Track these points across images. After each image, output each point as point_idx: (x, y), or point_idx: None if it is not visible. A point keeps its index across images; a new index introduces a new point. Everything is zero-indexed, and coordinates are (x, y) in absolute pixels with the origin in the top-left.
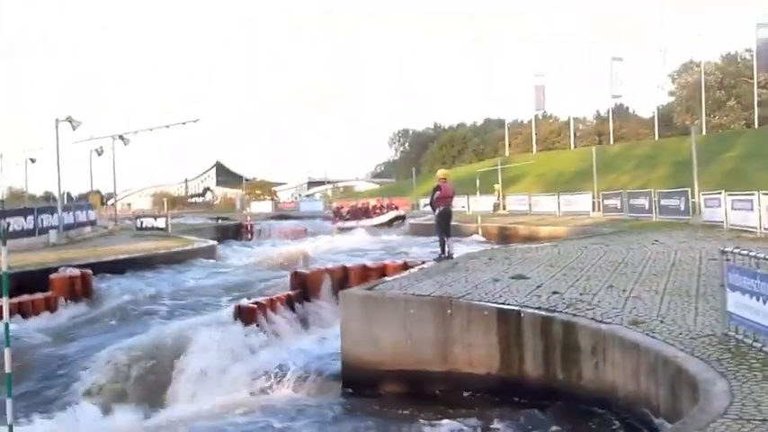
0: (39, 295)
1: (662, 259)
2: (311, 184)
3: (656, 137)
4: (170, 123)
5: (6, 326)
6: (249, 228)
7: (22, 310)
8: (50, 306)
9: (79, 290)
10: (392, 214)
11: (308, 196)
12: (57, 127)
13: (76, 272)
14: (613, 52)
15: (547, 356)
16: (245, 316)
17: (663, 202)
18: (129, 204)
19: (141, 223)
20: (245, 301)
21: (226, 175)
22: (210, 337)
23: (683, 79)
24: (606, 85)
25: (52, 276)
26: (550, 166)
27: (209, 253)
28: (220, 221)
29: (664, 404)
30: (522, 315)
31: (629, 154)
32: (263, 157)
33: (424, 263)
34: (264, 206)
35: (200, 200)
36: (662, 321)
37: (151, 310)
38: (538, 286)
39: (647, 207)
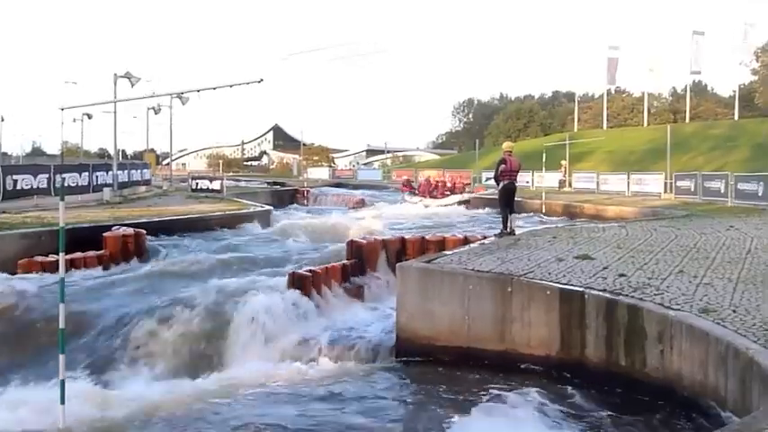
0: (91, 253)
1: (737, 246)
2: (370, 152)
3: (736, 117)
4: (233, 83)
5: (62, 281)
6: (305, 194)
7: (75, 266)
8: (103, 263)
9: (132, 249)
10: (456, 198)
11: (366, 165)
12: (115, 82)
13: (130, 231)
14: (694, 26)
15: (609, 341)
16: (299, 284)
17: (740, 186)
18: (184, 165)
19: (196, 184)
20: (299, 269)
21: (283, 140)
22: (263, 303)
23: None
24: (685, 60)
25: (106, 234)
26: (621, 143)
27: (263, 218)
28: (276, 186)
29: (732, 397)
30: (586, 296)
31: (705, 134)
32: (323, 123)
33: (485, 238)
34: (321, 173)
35: (255, 163)
36: (734, 311)
37: (203, 272)
38: (604, 268)
39: (722, 191)
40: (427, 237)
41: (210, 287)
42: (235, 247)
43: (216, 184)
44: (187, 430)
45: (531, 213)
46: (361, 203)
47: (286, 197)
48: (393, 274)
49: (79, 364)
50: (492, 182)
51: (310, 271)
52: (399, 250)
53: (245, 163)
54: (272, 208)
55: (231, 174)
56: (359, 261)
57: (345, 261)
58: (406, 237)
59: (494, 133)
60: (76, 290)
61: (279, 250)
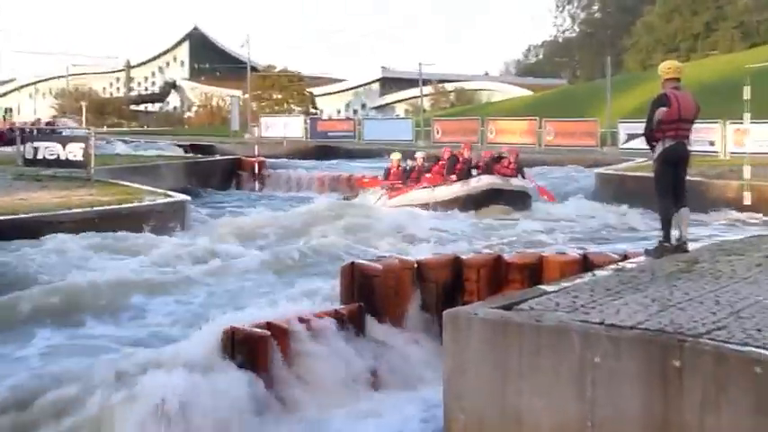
0: None
1: None
2: (388, 83)
3: None
4: None
5: None
6: (256, 169)
7: None
8: None
9: None
10: (479, 184)
11: (379, 109)
12: None
13: None
14: None
15: None
16: (246, 351)
17: None
18: (8, 111)
19: (34, 151)
20: (243, 322)
21: (211, 58)
22: (171, 392)
23: None
24: None
25: None
26: None
27: (171, 219)
28: (197, 156)
29: None
30: None
31: None
32: (291, 26)
33: (625, 257)
34: (290, 126)
35: (155, 108)
36: None
37: (44, 322)
38: None
39: None
40: (506, 256)
41: (53, 368)
42: (114, 272)
43: (75, 150)
44: None
45: (721, 207)
46: (370, 186)
47: (218, 176)
48: (436, 329)
49: None
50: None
51: (268, 326)
52: (450, 283)
53: (134, 108)
54: (187, 198)
55: (108, 129)
56: (367, 304)
57: (340, 306)
58: (464, 257)
59: (641, 44)
60: None
61: (202, 282)
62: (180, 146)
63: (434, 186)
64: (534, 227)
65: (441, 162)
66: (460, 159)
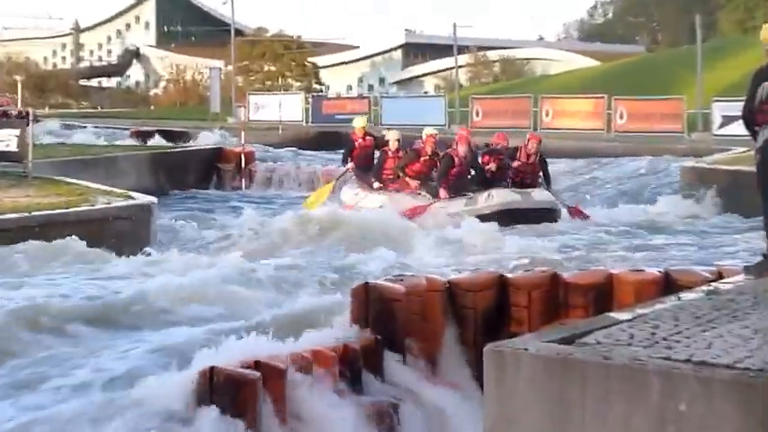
0: None
1: None
2: (411, 50)
3: None
4: None
5: None
6: (243, 164)
7: None
8: None
9: None
10: (490, 203)
11: (402, 84)
12: None
13: None
14: None
15: None
16: (228, 398)
17: None
18: None
19: None
20: (227, 359)
21: (183, 19)
22: None
23: None
24: None
25: None
26: None
27: (133, 227)
28: (168, 147)
29: None
30: None
31: None
32: None
33: (719, 276)
34: (289, 107)
35: (111, 83)
36: None
37: None
38: None
39: None
40: (566, 275)
41: None
42: (59, 297)
43: (7, 138)
44: None
45: None
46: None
47: (193, 171)
48: (473, 369)
49: None
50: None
51: (257, 365)
52: (492, 309)
53: (84, 83)
54: (153, 200)
55: (51, 111)
56: (385, 336)
57: (349, 340)
58: (510, 275)
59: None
60: None
61: (172, 308)
62: (142, 131)
63: (416, 194)
64: (592, 232)
65: (423, 158)
66: (456, 161)
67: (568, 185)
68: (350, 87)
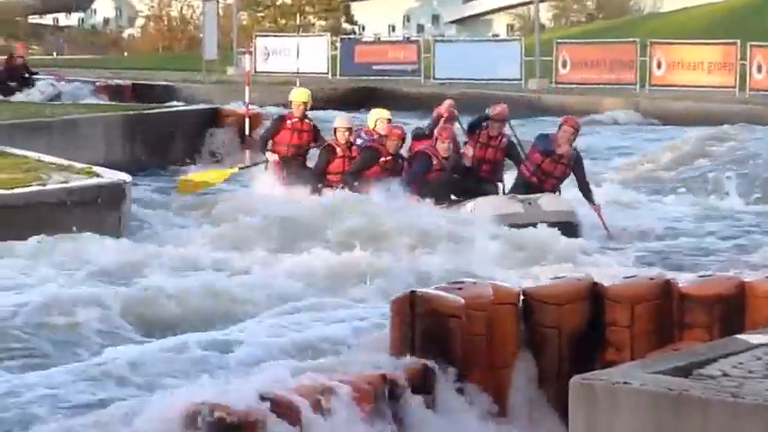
0: None
1: None
2: None
3: None
4: None
5: None
6: (246, 128)
7: None
8: None
9: None
10: (478, 213)
11: (462, 24)
12: None
13: None
14: None
15: None
16: None
17: None
18: None
19: None
20: (225, 394)
21: None
22: None
23: None
24: None
25: None
26: None
27: (100, 212)
28: (148, 108)
29: None
30: None
31: None
32: None
33: None
34: (309, 53)
35: (71, 20)
36: None
37: None
38: None
39: None
40: (682, 283)
41: None
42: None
43: None
44: None
45: None
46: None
47: (180, 139)
48: (555, 408)
49: None
50: None
51: (262, 399)
52: (581, 328)
53: (35, 20)
54: (126, 179)
55: None
56: (436, 365)
57: (388, 368)
58: (606, 282)
59: None
60: None
61: (156, 321)
62: (112, 83)
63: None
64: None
65: (383, 158)
66: (434, 162)
67: (682, 168)
68: (392, 28)
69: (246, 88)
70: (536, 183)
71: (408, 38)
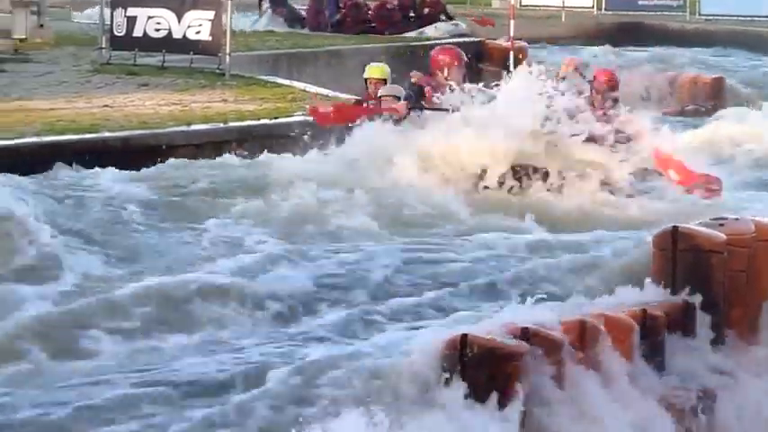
0: None
1: None
2: None
3: None
4: None
5: None
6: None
7: None
8: None
9: None
10: None
11: None
12: None
13: None
14: None
15: None
16: (482, 372)
17: None
18: None
19: (128, 24)
20: (483, 324)
21: None
22: None
23: None
24: None
25: None
26: None
27: None
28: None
29: None
30: None
31: None
32: None
33: None
34: None
35: None
36: None
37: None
38: None
39: None
40: None
41: None
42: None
43: (197, 23)
44: None
45: None
46: None
47: None
48: None
49: None
50: None
51: (523, 334)
52: None
53: None
54: None
55: None
56: (697, 302)
57: (649, 304)
58: None
59: None
60: None
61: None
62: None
63: None
64: None
65: None
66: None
67: None
68: None
69: (511, 22)
70: None
71: None
